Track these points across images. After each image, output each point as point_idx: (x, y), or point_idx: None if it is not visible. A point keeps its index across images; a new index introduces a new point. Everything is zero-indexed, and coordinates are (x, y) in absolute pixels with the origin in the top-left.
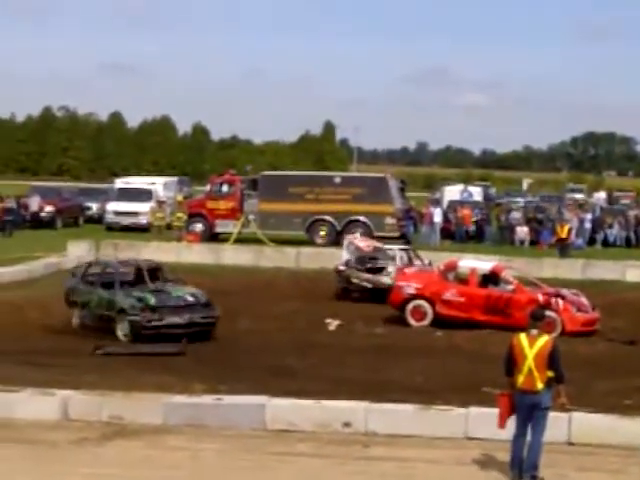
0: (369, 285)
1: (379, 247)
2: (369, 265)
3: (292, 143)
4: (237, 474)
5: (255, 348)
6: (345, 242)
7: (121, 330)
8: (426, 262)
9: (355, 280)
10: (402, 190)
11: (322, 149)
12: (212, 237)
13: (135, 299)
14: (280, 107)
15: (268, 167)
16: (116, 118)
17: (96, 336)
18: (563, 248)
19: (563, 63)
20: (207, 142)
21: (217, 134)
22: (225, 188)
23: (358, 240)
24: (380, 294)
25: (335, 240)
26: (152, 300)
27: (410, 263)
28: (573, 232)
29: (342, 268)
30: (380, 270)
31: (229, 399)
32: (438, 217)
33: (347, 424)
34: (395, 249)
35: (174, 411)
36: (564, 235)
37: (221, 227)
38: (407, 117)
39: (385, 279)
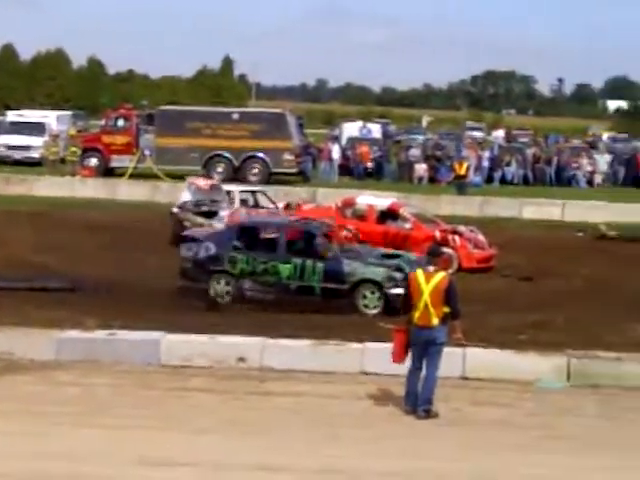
0: None
1: (218, 186)
2: (204, 208)
3: (189, 78)
4: (130, 409)
5: (150, 283)
6: (186, 182)
7: (371, 304)
8: (277, 206)
9: (187, 224)
10: (300, 127)
11: (220, 85)
12: (107, 172)
13: (389, 269)
14: (178, 41)
15: (165, 102)
16: (8, 50)
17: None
18: (461, 186)
19: (462, 0)
20: (103, 76)
21: (113, 68)
22: (121, 122)
23: (199, 180)
24: None
25: (233, 176)
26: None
27: (257, 206)
28: (471, 170)
29: (176, 210)
30: (215, 214)
31: (122, 334)
32: (336, 154)
33: (242, 359)
34: (236, 191)
35: (66, 346)
36: (462, 172)
37: (116, 162)
38: (306, 53)
39: (217, 224)
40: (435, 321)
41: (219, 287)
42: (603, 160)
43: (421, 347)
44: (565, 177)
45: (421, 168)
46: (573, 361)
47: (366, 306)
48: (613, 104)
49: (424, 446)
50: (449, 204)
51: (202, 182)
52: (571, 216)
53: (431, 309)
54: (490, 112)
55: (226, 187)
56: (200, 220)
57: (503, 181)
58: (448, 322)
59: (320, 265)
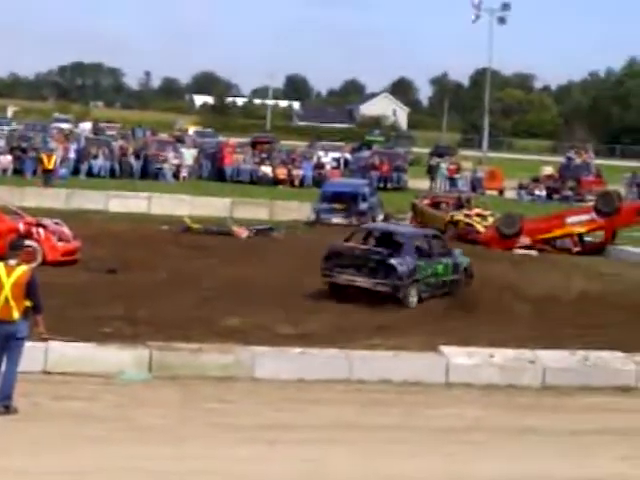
0: None
1: None
2: None
3: None
4: None
5: None
6: None
7: None
8: None
9: None
10: None
11: None
12: None
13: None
14: None
15: None
16: None
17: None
18: (47, 178)
19: None
20: None
21: None
22: None
23: None
24: None
25: None
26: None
27: None
28: (58, 161)
29: None
30: None
31: None
32: None
33: None
34: None
35: None
36: (51, 166)
37: None
38: None
39: None
40: (16, 315)
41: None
42: (189, 154)
43: (1, 342)
44: (152, 170)
45: (5, 159)
46: (154, 353)
47: None
48: (200, 99)
49: (2, 443)
50: (35, 196)
51: None
52: (157, 209)
53: (12, 303)
54: (78, 104)
55: None
56: None
57: (90, 174)
58: (30, 316)
59: (449, 261)
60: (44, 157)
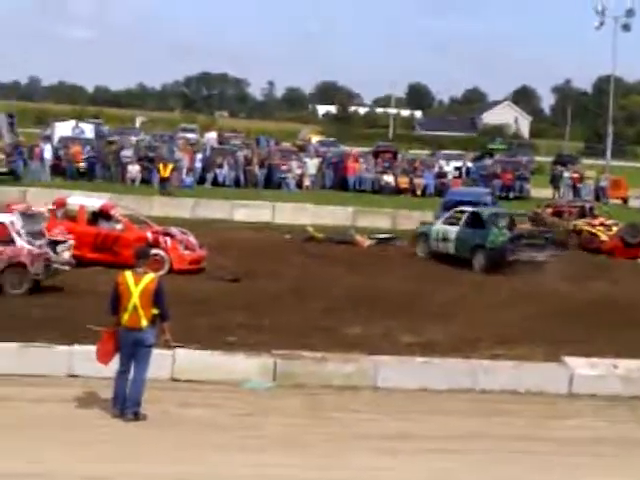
0: None
1: None
2: None
3: None
4: None
5: None
6: None
7: None
8: None
9: None
10: (12, 125)
11: None
12: None
13: None
14: None
15: None
16: None
17: None
18: (162, 186)
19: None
20: None
21: None
22: None
23: None
24: None
25: None
26: None
27: None
28: (184, 171)
29: None
30: None
31: None
32: (48, 153)
33: None
34: None
35: None
36: (166, 174)
37: None
38: (18, 50)
39: None
40: (144, 323)
41: None
42: (312, 163)
43: (130, 349)
44: (276, 179)
45: (134, 169)
46: (279, 361)
47: None
48: (322, 109)
49: (132, 449)
50: (161, 205)
51: None
52: (280, 218)
53: (140, 311)
54: (203, 114)
55: None
56: None
57: (215, 183)
58: (157, 324)
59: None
60: (160, 166)
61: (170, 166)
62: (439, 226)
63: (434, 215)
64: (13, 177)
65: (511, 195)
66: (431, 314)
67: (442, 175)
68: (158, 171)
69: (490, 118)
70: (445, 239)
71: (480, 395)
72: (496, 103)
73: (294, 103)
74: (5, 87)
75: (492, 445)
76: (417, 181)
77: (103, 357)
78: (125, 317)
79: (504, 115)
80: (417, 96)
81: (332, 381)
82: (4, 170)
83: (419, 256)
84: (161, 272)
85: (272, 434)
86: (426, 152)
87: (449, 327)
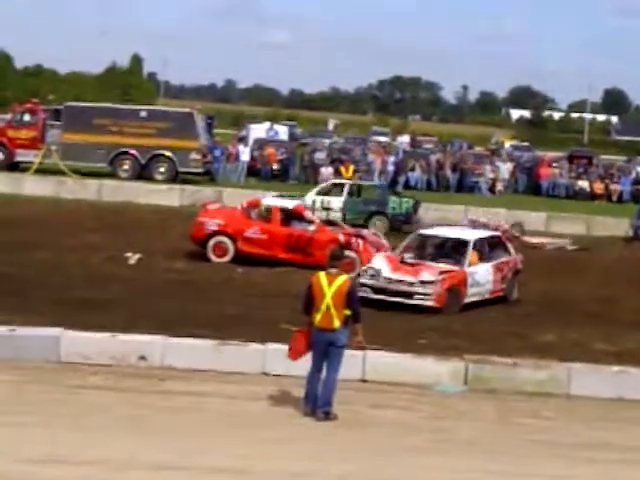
0: None
1: None
2: None
3: (97, 75)
4: (29, 406)
5: (53, 281)
6: None
7: None
8: None
9: None
10: (210, 126)
11: (128, 82)
12: (12, 166)
13: None
14: (87, 37)
15: (72, 98)
16: None
17: None
18: None
19: (370, 3)
20: (10, 69)
21: (21, 61)
22: (27, 117)
23: None
24: None
25: (139, 174)
26: None
27: None
28: (375, 174)
29: None
30: None
31: (22, 330)
32: (246, 156)
33: (143, 358)
34: None
35: None
36: (349, 176)
37: (22, 156)
38: (215, 53)
39: None
40: (337, 323)
41: None
42: (505, 168)
43: (322, 349)
44: (468, 183)
45: (327, 171)
46: (470, 366)
47: None
48: (516, 113)
49: (323, 448)
50: None
51: None
52: None
53: (333, 311)
54: (396, 117)
55: None
56: None
57: (407, 186)
58: (349, 325)
59: None
60: (343, 169)
61: (352, 168)
62: None
63: (630, 222)
64: (209, 178)
65: None
66: (624, 322)
67: (639, 182)
68: (340, 173)
69: None
70: None
71: None
72: None
73: (487, 107)
74: (202, 89)
75: None
76: (613, 187)
77: (294, 355)
78: (318, 317)
79: None
80: (613, 101)
81: (524, 387)
82: (200, 171)
83: None
84: (352, 274)
85: (462, 438)
86: (622, 158)
87: None
